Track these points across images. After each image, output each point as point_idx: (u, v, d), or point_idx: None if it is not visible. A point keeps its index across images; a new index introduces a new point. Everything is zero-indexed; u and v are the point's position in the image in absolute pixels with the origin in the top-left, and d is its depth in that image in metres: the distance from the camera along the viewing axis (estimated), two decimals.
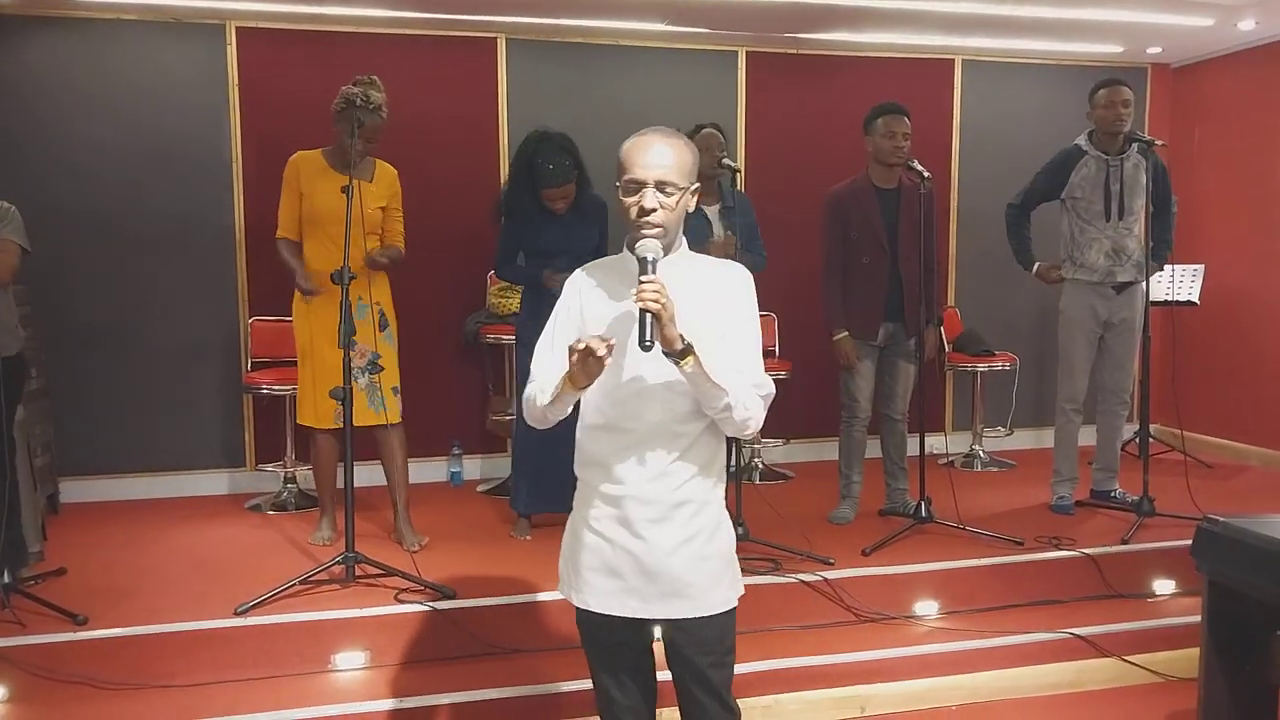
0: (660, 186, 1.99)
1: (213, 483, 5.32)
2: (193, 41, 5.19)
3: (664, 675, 2.26)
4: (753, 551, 4.00)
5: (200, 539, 4.44)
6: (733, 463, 4.34)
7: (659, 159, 2.00)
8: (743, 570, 3.71)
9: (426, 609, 3.47)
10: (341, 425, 4.06)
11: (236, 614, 3.40)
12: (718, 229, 4.36)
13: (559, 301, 2.20)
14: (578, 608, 2.17)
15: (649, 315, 1.86)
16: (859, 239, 4.43)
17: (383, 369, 4.14)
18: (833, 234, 4.48)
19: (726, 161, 4.23)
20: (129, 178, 5.14)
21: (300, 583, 3.61)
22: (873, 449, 4.71)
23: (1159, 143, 4.53)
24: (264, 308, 5.28)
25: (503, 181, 5.46)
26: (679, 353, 1.91)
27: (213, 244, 5.27)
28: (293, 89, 5.28)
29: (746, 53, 5.89)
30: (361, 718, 3.07)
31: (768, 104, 5.94)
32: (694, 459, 2.08)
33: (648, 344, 1.85)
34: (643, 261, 1.94)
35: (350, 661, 3.36)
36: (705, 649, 2.13)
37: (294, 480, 5.08)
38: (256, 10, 5.11)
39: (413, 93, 5.42)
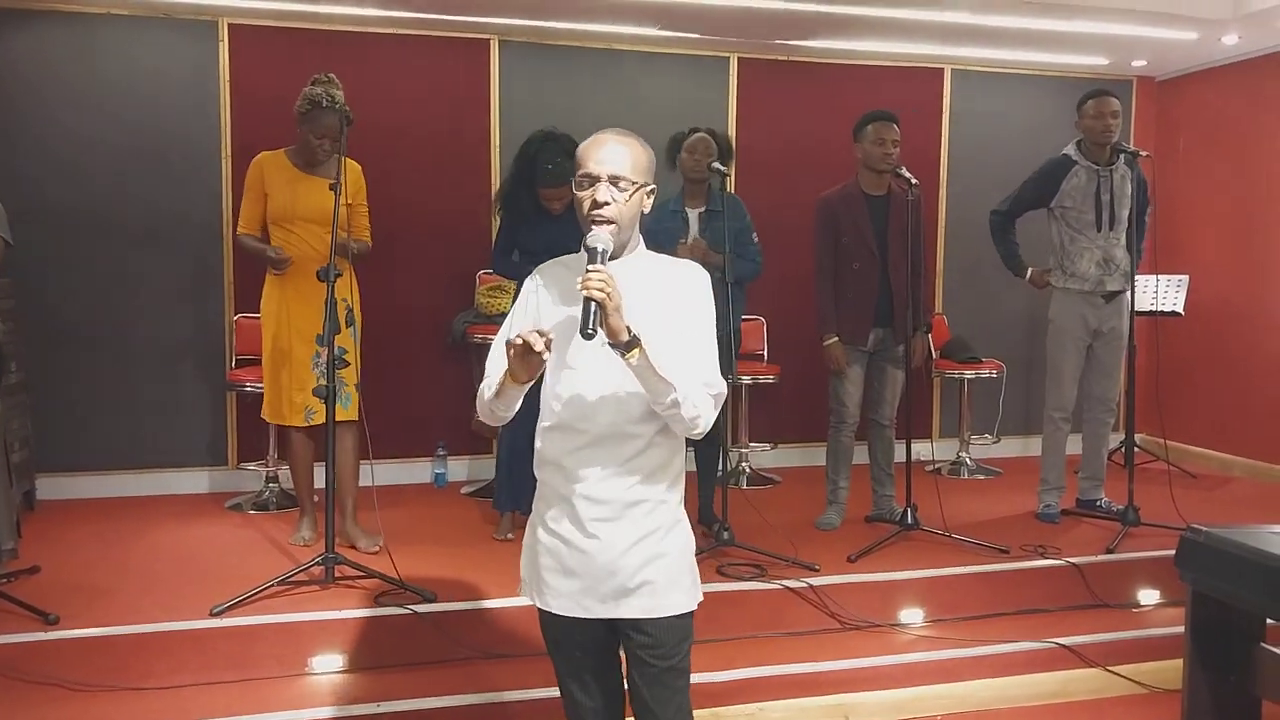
0: (614, 181, 2.00)
1: (193, 481, 5.27)
2: (184, 37, 5.15)
3: None
4: (738, 557, 3.99)
5: (179, 538, 4.39)
6: (720, 468, 4.34)
7: (612, 155, 2.02)
8: (727, 575, 3.76)
9: (406, 612, 3.43)
10: (310, 423, 4.05)
11: (212, 615, 3.35)
12: (694, 231, 4.35)
13: (517, 298, 2.20)
14: (540, 609, 2.17)
15: (593, 304, 1.84)
16: (849, 245, 4.42)
17: (348, 364, 4.07)
18: (824, 239, 4.48)
19: (715, 165, 4.22)
20: (117, 173, 5.09)
21: (278, 584, 3.57)
22: (860, 455, 4.70)
23: (1144, 154, 4.55)
24: (249, 305, 5.22)
25: (495, 180, 5.47)
26: (624, 345, 1.89)
27: (199, 241, 5.23)
28: (285, 87, 5.18)
29: (738, 59, 5.89)
30: None
31: (759, 110, 5.94)
32: (648, 460, 2.07)
33: (590, 332, 1.84)
34: (591, 251, 1.94)
35: (328, 664, 3.31)
36: (662, 652, 2.10)
37: (276, 479, 5.03)
38: (249, 7, 5.07)
39: (405, 93, 5.41)
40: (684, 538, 2.15)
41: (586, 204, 2.01)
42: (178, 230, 5.18)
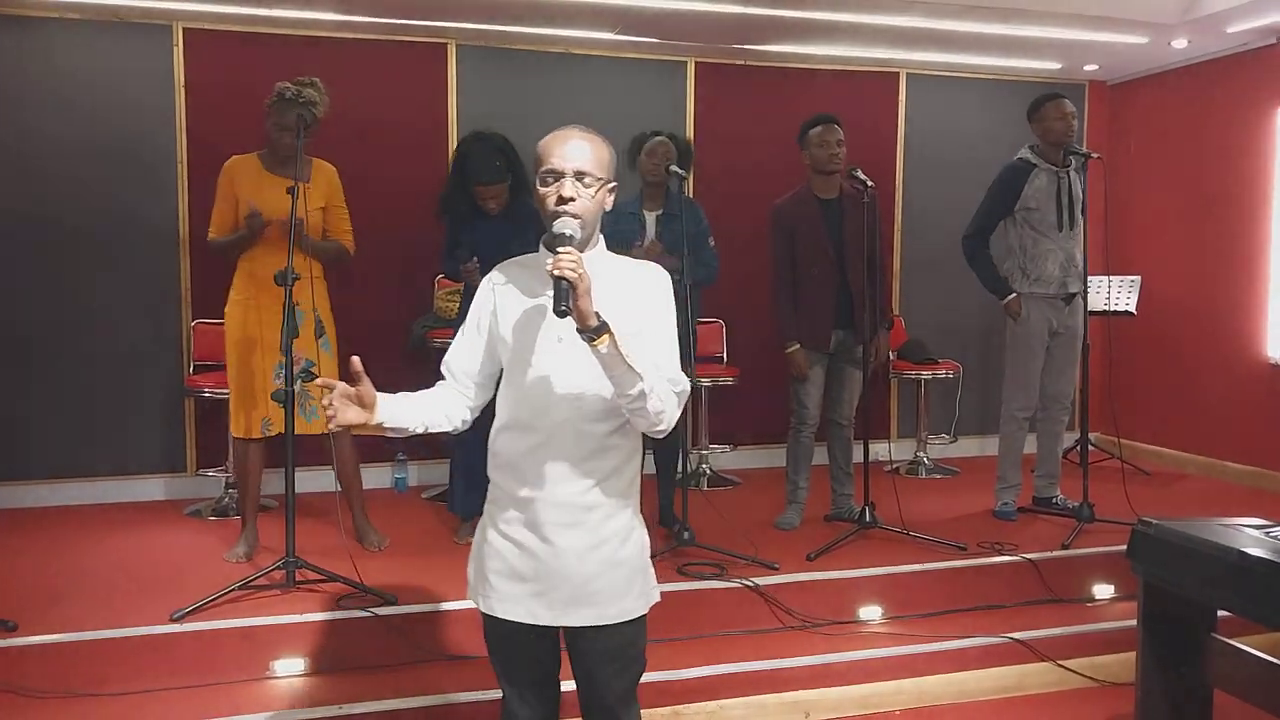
0: (579, 176, 1.99)
1: (152, 488, 5.21)
2: (139, 42, 5.10)
3: (568, 685, 2.21)
4: (698, 557, 4.01)
5: (137, 545, 4.35)
6: (679, 469, 4.36)
7: (577, 150, 2.01)
8: (688, 575, 3.79)
9: (368, 615, 3.43)
10: (266, 435, 4.03)
11: (172, 620, 3.32)
12: (650, 233, 4.39)
13: (475, 295, 2.18)
14: (484, 614, 2.13)
15: (564, 283, 1.82)
16: (806, 250, 4.47)
17: (315, 377, 4.07)
18: (780, 247, 4.52)
19: (673, 168, 4.25)
20: (70, 178, 5.03)
21: (239, 588, 3.54)
22: (819, 456, 4.75)
23: (1095, 155, 4.63)
24: (207, 310, 5.19)
25: None
26: (593, 330, 1.87)
27: (155, 245, 5.17)
28: (241, 92, 5.19)
29: (695, 63, 5.93)
30: None
31: (716, 114, 5.99)
32: (605, 463, 2.05)
33: (564, 309, 1.82)
34: (559, 236, 1.93)
35: (289, 668, 3.29)
36: (609, 657, 2.09)
37: (235, 485, 4.98)
38: (205, 11, 5.03)
39: (362, 97, 5.38)
40: (639, 544, 2.13)
41: (551, 199, 1.98)
42: (134, 235, 5.13)
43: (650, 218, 4.42)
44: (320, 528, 4.38)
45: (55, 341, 5.05)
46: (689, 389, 2.09)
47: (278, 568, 3.63)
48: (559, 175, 1.99)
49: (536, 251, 2.14)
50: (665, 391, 1.99)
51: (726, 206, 5.64)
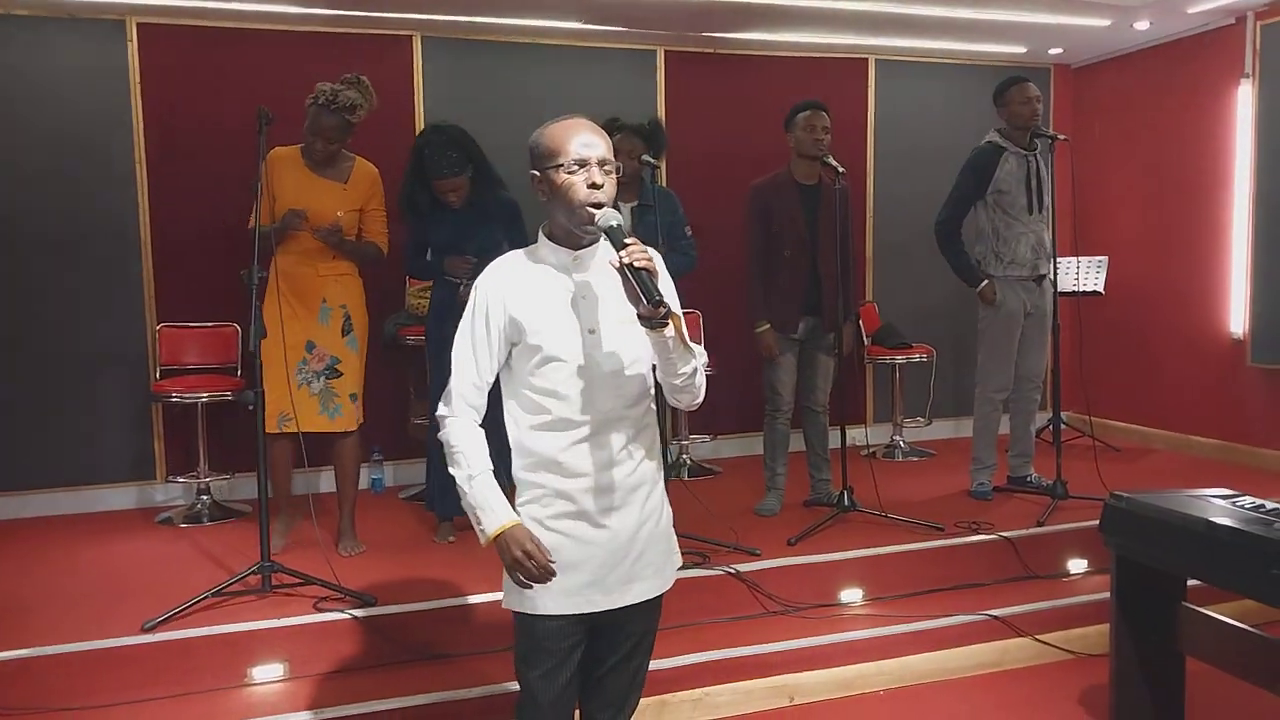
0: (601, 164, 2.01)
1: (121, 497, 5.12)
2: (91, 38, 5.00)
3: None
4: (681, 545, 3.94)
5: (107, 555, 4.27)
6: (661, 460, 4.34)
7: (594, 138, 2.02)
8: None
9: (346, 617, 3.39)
10: (283, 430, 3.97)
11: (144, 630, 3.26)
12: (626, 227, 4.34)
13: (476, 300, 2.08)
14: (535, 615, 2.06)
15: (645, 273, 1.85)
16: (781, 233, 4.47)
17: (341, 375, 4.06)
18: (756, 227, 4.51)
19: (645, 158, 4.22)
20: (24, 178, 4.92)
21: (213, 595, 3.48)
22: (796, 442, 4.75)
23: (1062, 137, 4.66)
24: (173, 313, 5.11)
25: None
26: (664, 317, 1.88)
27: (116, 247, 5.07)
28: (199, 87, 5.13)
29: (664, 52, 5.91)
30: None
31: (686, 103, 5.96)
32: (643, 441, 2.11)
33: (658, 299, 1.84)
34: (614, 229, 1.94)
35: (268, 674, 3.24)
36: (646, 626, 2.16)
37: (207, 491, 4.91)
38: (158, 5, 4.93)
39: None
40: (670, 514, 2.22)
41: (581, 188, 1.98)
42: (94, 237, 5.03)
43: (625, 210, 4.38)
44: (300, 528, 4.33)
45: (15, 348, 4.94)
46: (707, 360, 2.15)
47: (252, 573, 3.58)
48: (585, 163, 1.99)
49: (516, 245, 2.13)
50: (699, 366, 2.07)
51: (700, 195, 5.62)
